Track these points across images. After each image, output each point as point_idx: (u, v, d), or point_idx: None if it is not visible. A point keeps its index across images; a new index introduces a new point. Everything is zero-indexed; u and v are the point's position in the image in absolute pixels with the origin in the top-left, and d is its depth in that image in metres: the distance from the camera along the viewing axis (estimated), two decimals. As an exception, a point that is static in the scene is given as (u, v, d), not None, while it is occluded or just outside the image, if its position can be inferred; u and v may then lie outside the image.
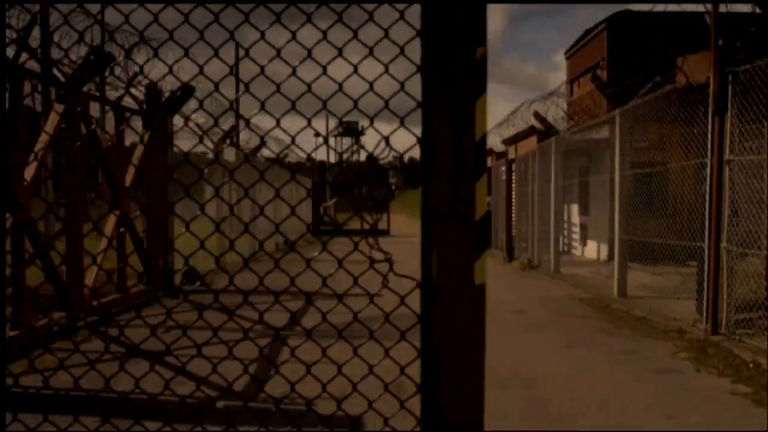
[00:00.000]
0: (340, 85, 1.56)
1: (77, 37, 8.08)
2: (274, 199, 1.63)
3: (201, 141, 1.83)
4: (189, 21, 1.52)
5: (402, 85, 1.61)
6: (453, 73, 1.46)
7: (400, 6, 1.60)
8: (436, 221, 1.49)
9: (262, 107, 1.54)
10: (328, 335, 1.91)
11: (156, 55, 1.63)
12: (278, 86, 1.53)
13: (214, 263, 1.94)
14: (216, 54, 1.48)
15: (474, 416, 1.53)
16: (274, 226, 1.64)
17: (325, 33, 1.54)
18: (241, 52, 16.45)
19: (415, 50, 1.54)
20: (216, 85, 1.53)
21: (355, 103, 1.47)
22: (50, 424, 2.16)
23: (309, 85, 1.53)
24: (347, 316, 1.86)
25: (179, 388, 2.30)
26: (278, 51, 1.51)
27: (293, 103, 1.52)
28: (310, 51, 1.49)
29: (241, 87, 1.70)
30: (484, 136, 1.50)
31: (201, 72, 1.51)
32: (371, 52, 1.59)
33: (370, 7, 1.61)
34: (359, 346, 1.91)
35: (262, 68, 1.50)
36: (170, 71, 1.60)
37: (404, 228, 25.51)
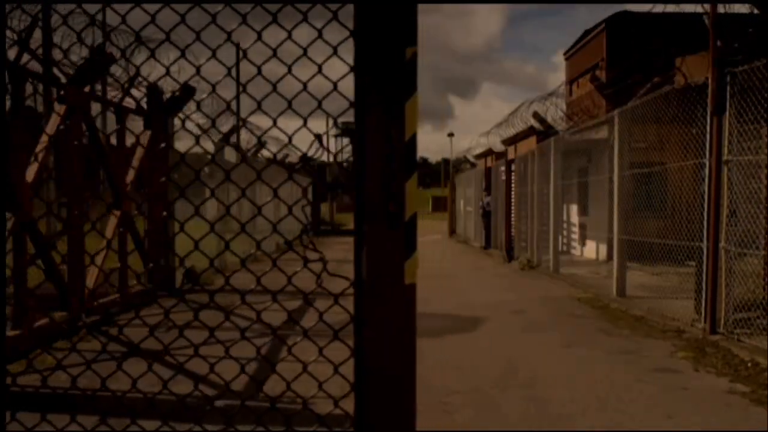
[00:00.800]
0: (335, 84, 1.57)
1: (77, 37, 8.08)
2: (272, 200, 1.65)
3: (197, 142, 1.84)
4: (185, 22, 1.54)
5: (335, 85, 1.61)
6: (383, 74, 1.45)
7: (334, 6, 1.60)
8: (367, 220, 1.48)
9: (259, 107, 1.55)
10: (324, 335, 1.92)
11: (153, 56, 1.64)
12: (274, 86, 1.54)
13: (218, 263, 1.94)
14: (213, 55, 1.49)
15: (405, 417, 1.53)
16: (272, 226, 1.65)
17: (320, 32, 1.55)
18: (233, 52, 16.47)
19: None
20: (213, 87, 1.55)
21: (352, 103, 1.48)
22: (48, 424, 2.17)
23: (305, 84, 1.54)
24: (343, 315, 1.87)
25: (177, 387, 2.31)
26: (274, 51, 1.52)
27: (290, 103, 1.54)
28: (305, 50, 1.51)
29: (241, 88, 1.71)
30: (414, 136, 1.49)
31: (198, 73, 1.52)
32: (305, 53, 1.59)
33: (304, 7, 1.62)
34: (293, 345, 1.92)
35: (259, 68, 1.51)
36: (167, 72, 1.61)
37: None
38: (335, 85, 1.56)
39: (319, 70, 1.57)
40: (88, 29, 8.23)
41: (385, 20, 1.44)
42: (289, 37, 1.56)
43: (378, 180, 1.47)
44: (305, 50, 1.57)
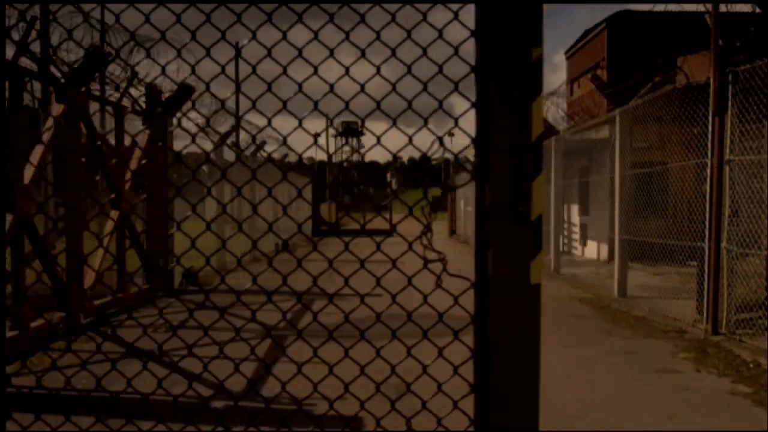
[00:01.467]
0: (332, 86, 1.55)
1: (71, 37, 8.06)
2: (265, 198, 1.63)
3: (194, 141, 1.82)
4: (181, 21, 1.52)
5: (331, 87, 1.59)
6: (510, 75, 1.46)
7: (454, 6, 1.60)
8: (494, 220, 1.49)
9: (254, 106, 1.53)
10: (321, 335, 1.90)
11: (148, 55, 1.62)
12: (269, 85, 1.52)
13: (217, 263, 1.92)
14: (208, 54, 1.47)
15: (528, 417, 1.52)
16: (268, 226, 1.63)
17: (316, 33, 1.54)
18: (233, 52, 16.47)
19: (405, 49, 1.52)
20: (207, 85, 1.53)
21: (347, 104, 1.46)
22: (43, 424, 2.15)
23: (300, 85, 1.52)
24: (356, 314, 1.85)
25: (172, 387, 2.29)
26: (269, 50, 1.50)
27: (284, 103, 1.52)
28: (300, 51, 1.49)
29: (241, 87, 1.69)
30: (540, 136, 1.50)
31: (193, 72, 1.50)
32: (300, 53, 1.58)
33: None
34: (413, 346, 1.92)
35: (254, 68, 1.49)
36: (163, 71, 1.59)
37: (406, 228, 25.45)
38: (331, 87, 1.54)
39: (315, 71, 1.54)
40: (86, 29, 8.21)
41: (512, 21, 1.45)
42: (284, 38, 1.53)
43: (505, 180, 1.47)
44: (300, 51, 1.54)
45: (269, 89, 1.52)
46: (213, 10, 1.50)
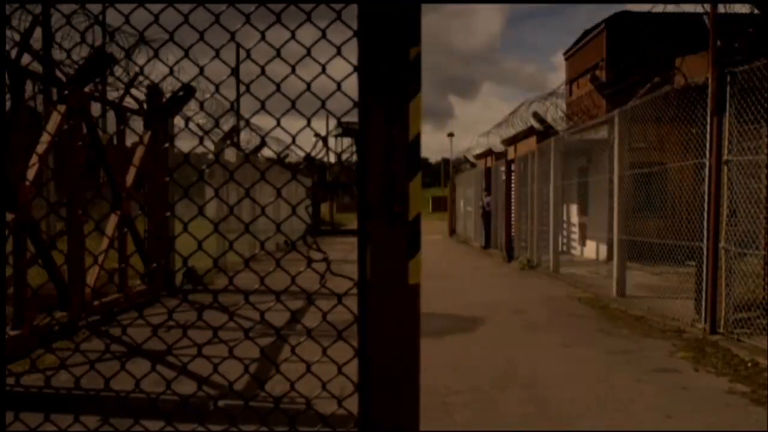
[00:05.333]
0: (339, 84, 1.57)
1: (78, 37, 8.08)
2: (276, 200, 1.65)
3: (201, 142, 1.84)
4: (189, 22, 1.54)
5: (339, 85, 1.61)
6: (386, 73, 1.45)
7: (338, 6, 1.60)
8: (370, 220, 1.48)
9: (263, 107, 1.55)
10: (327, 335, 1.93)
11: (156, 55, 1.65)
12: (278, 86, 1.54)
13: (213, 263, 1.95)
14: (217, 55, 1.49)
15: (409, 416, 1.53)
16: (276, 227, 1.65)
17: (324, 32, 1.56)
18: (242, 53, 16.47)
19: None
20: (217, 87, 1.55)
21: (355, 103, 1.48)
22: (51, 424, 2.17)
23: (309, 84, 1.54)
24: (346, 315, 1.88)
25: (178, 387, 2.31)
26: (278, 51, 1.52)
27: (293, 103, 1.54)
28: (309, 50, 1.51)
29: (242, 87, 1.71)
30: (418, 136, 1.49)
31: (201, 73, 1.52)
32: (309, 53, 1.59)
33: (308, 7, 1.61)
34: (297, 345, 1.92)
35: (263, 68, 1.51)
36: (171, 72, 1.61)
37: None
38: (339, 85, 1.57)
39: (323, 71, 1.57)
40: (88, 29, 8.22)
41: (388, 20, 1.44)
42: (293, 37, 1.56)
43: (381, 180, 1.47)
44: (309, 50, 1.57)
45: (278, 89, 1.54)
46: (223, 11, 1.52)
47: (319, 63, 1.59)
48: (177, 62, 1.63)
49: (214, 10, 1.58)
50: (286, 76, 1.56)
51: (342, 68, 1.60)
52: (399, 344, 1.50)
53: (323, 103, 1.59)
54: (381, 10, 1.44)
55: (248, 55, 1.49)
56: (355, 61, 1.48)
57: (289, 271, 1.81)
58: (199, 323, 2.02)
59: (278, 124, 1.58)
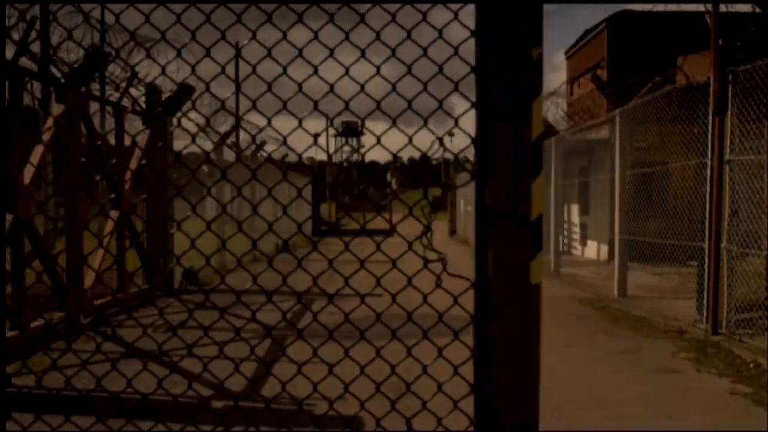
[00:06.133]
0: (332, 86, 1.55)
1: (73, 37, 8.06)
2: (265, 198, 1.63)
3: (193, 141, 1.82)
4: (181, 21, 1.52)
5: (393, 86, 1.59)
6: (511, 75, 1.46)
7: (454, 6, 1.60)
8: (494, 220, 1.49)
9: (254, 106, 1.53)
10: (320, 335, 1.90)
11: (149, 55, 1.63)
12: (269, 85, 1.52)
13: (216, 263, 1.93)
14: (208, 54, 1.47)
15: (529, 417, 1.53)
16: (268, 226, 1.63)
17: (316, 33, 1.53)
18: (229, 52, 16.43)
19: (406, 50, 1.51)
20: (207, 85, 1.53)
21: (347, 103, 1.46)
22: (42, 423, 2.15)
23: (300, 85, 1.52)
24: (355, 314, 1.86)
25: (171, 387, 2.28)
26: (269, 51, 1.50)
27: (285, 103, 1.52)
28: (300, 51, 1.49)
29: (248, 89, 1.69)
30: (540, 136, 1.51)
31: (193, 72, 1.50)
32: (332, 53, 1.58)
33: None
34: (413, 346, 1.93)
35: (254, 68, 1.49)
36: (163, 71, 1.59)
37: (406, 228, 25.46)
38: (394, 86, 1.54)
39: (346, 72, 1.55)
40: (86, 28, 8.21)
41: (512, 21, 1.45)
42: (284, 37, 1.53)
43: (507, 180, 1.47)
44: (301, 50, 1.55)
45: (269, 89, 1.52)
46: (213, 10, 1.50)
47: (312, 65, 1.56)
48: (169, 62, 1.61)
49: (206, 10, 1.55)
50: (282, 75, 1.54)
51: (335, 69, 1.58)
52: (521, 344, 1.51)
53: (316, 103, 1.57)
54: (504, 10, 1.45)
55: (238, 54, 1.47)
56: (348, 61, 1.45)
57: (281, 273, 1.79)
58: (193, 323, 1.99)
59: (269, 123, 1.56)
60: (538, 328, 1.53)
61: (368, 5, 1.61)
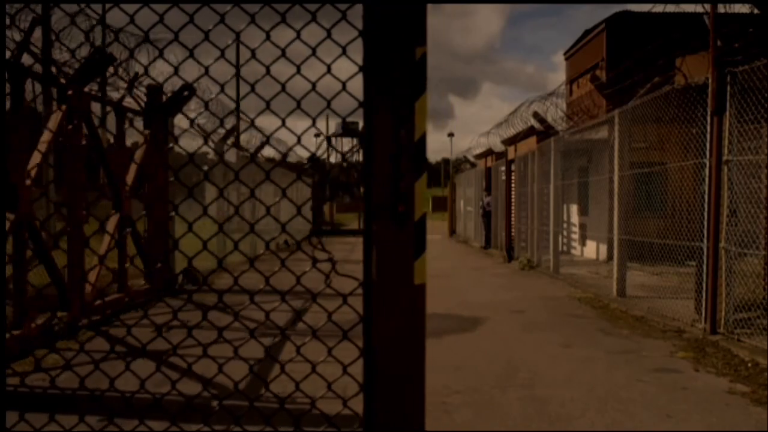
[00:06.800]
0: (344, 84, 1.57)
1: (81, 37, 8.09)
2: (281, 199, 1.65)
3: (206, 142, 1.84)
4: (194, 22, 1.54)
5: (344, 85, 1.61)
6: (392, 73, 1.45)
7: (343, 6, 1.60)
8: (376, 220, 1.47)
9: (267, 107, 1.55)
10: (332, 335, 1.93)
11: (161, 55, 1.65)
12: (283, 86, 1.54)
13: (215, 263, 1.95)
14: (222, 55, 1.50)
15: (414, 417, 1.52)
16: (281, 227, 1.66)
17: (329, 31, 1.56)
18: (245, 53, 16.47)
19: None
20: (222, 87, 1.55)
21: (360, 103, 1.48)
22: (56, 424, 2.17)
23: (314, 84, 1.54)
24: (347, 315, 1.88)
25: (162, 387, 2.31)
26: (283, 51, 1.52)
27: (298, 103, 1.54)
28: (314, 50, 1.51)
29: (245, 88, 1.71)
30: (423, 136, 1.49)
31: (207, 73, 1.53)
32: (314, 53, 1.59)
33: (313, 7, 1.61)
34: (302, 345, 1.92)
35: (268, 68, 1.51)
36: (176, 72, 1.62)
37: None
38: (344, 84, 1.57)
39: (328, 70, 1.57)
40: (93, 29, 8.22)
41: (394, 20, 1.44)
42: (298, 37, 1.56)
43: (387, 180, 1.46)
44: (314, 50, 1.57)
45: (283, 89, 1.55)
46: (227, 11, 1.52)
47: (325, 63, 1.59)
48: (181, 62, 1.63)
49: (218, 11, 1.58)
50: (291, 76, 1.57)
51: (346, 68, 1.61)
52: (405, 344, 1.49)
53: (329, 103, 1.60)
54: (387, 10, 1.43)
55: (253, 55, 1.49)
56: (359, 61, 1.47)
57: (294, 272, 1.81)
58: (201, 323, 2.02)
59: (283, 124, 1.58)
60: (422, 326, 1.51)
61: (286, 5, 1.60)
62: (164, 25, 1.65)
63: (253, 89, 1.53)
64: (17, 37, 6.94)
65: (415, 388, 1.51)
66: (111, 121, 9.46)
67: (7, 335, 5.82)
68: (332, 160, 42.05)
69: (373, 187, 1.47)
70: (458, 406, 4.75)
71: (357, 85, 1.53)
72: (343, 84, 1.56)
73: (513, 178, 17.67)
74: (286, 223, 1.74)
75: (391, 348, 1.49)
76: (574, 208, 17.07)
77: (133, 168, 9.12)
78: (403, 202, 1.47)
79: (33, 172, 6.48)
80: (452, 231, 30.29)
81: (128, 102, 9.38)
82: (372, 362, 1.49)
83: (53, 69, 7.87)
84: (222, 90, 1.58)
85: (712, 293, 6.91)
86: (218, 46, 1.53)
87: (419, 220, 1.49)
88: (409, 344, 1.49)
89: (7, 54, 6.52)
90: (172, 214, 9.28)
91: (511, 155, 18.02)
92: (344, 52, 1.57)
